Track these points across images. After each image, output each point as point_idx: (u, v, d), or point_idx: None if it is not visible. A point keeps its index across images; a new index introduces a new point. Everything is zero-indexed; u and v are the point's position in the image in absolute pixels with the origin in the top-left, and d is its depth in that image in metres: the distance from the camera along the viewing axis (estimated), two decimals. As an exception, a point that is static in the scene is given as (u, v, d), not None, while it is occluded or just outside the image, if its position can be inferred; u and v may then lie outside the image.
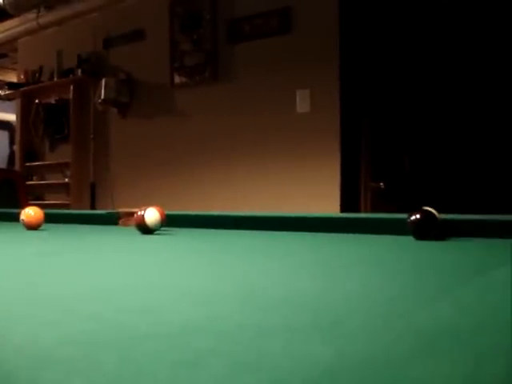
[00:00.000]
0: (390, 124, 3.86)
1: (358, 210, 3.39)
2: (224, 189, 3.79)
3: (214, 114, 3.80)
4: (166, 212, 1.32)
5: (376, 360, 0.27)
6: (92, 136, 4.63)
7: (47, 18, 4.40)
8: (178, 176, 4.07)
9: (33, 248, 1.02)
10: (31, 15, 4.47)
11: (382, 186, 3.76)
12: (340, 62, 3.28)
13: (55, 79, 4.88)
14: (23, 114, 5.19)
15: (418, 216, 1.04)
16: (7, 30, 4.98)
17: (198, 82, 3.85)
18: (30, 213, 1.47)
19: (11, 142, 6.73)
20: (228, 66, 3.71)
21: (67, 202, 4.70)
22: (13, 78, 6.28)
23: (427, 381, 0.24)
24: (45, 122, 5.00)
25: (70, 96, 4.73)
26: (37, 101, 5.04)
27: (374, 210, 3.45)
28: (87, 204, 4.59)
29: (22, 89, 5.15)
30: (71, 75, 4.71)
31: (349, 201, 3.39)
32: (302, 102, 3.31)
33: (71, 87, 4.70)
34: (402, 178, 4.16)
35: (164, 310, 0.40)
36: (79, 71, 4.61)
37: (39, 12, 4.40)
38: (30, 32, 4.72)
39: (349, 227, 1.29)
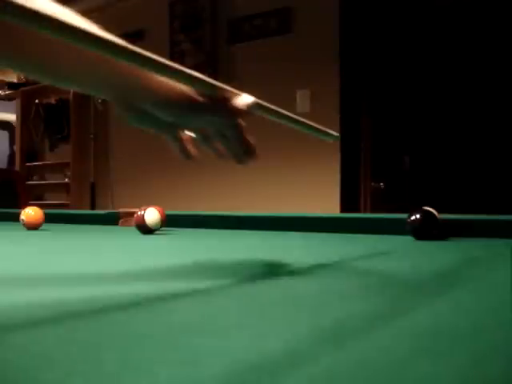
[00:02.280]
0: (390, 124, 3.86)
1: (358, 210, 3.39)
2: (224, 189, 3.79)
3: (214, 114, 3.80)
4: (166, 212, 1.32)
5: (375, 360, 0.27)
6: (92, 136, 4.62)
7: (47, 17, 4.40)
8: (178, 176, 4.07)
9: (33, 247, 1.02)
10: (31, 15, 4.46)
11: (382, 186, 3.76)
12: (340, 62, 3.28)
13: (55, 79, 4.87)
14: (23, 114, 5.19)
15: (417, 216, 1.04)
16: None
17: (197, 82, 3.85)
18: (30, 213, 1.47)
19: (11, 142, 6.73)
20: (228, 66, 3.71)
21: (67, 202, 4.69)
22: (13, 78, 6.27)
23: (427, 381, 0.24)
24: (45, 121, 4.99)
25: (70, 96, 4.73)
26: (37, 101, 5.04)
27: (373, 210, 3.45)
28: (87, 204, 4.59)
29: (22, 89, 5.15)
30: (71, 75, 4.71)
31: (349, 201, 3.39)
32: (302, 102, 3.32)
33: (71, 87, 4.70)
34: (401, 178, 4.16)
35: (164, 310, 0.40)
36: (79, 71, 4.61)
37: (39, 12, 4.40)
38: (30, 32, 4.71)
39: (349, 227, 1.29)
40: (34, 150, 5.18)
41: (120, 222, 1.64)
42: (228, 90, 0.57)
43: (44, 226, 1.49)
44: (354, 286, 0.53)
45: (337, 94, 3.24)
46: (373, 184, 3.62)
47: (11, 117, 6.29)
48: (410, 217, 1.05)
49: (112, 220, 1.68)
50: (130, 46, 0.43)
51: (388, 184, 3.83)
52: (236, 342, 0.30)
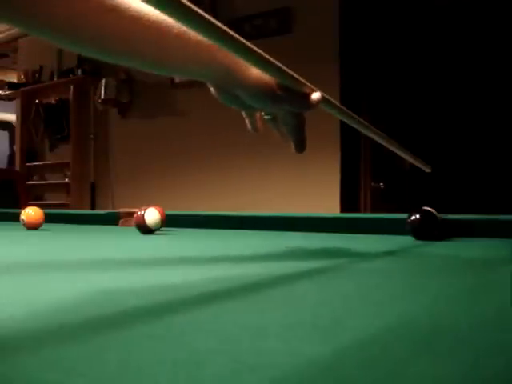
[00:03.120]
0: (389, 124, 3.86)
1: (358, 210, 3.39)
2: (224, 189, 3.79)
3: (214, 114, 3.80)
4: (166, 212, 1.32)
5: (375, 359, 0.27)
6: (92, 136, 4.63)
7: (47, 17, 4.40)
8: (179, 176, 4.07)
9: (34, 247, 1.02)
10: (31, 15, 4.47)
11: (382, 186, 3.76)
12: (340, 62, 3.28)
13: (55, 79, 4.88)
14: (23, 114, 5.19)
15: (417, 216, 1.04)
16: (7, 30, 4.98)
17: (198, 82, 3.86)
18: (30, 213, 1.47)
19: (11, 142, 6.74)
20: (228, 66, 3.71)
21: (67, 202, 4.70)
22: (13, 78, 6.28)
23: (426, 380, 0.24)
24: (45, 121, 5.00)
25: (70, 96, 4.73)
26: (37, 101, 5.04)
27: (373, 210, 3.45)
28: (87, 204, 4.59)
29: (22, 89, 5.15)
30: (71, 75, 4.71)
31: (349, 201, 3.39)
32: (302, 102, 3.31)
33: (71, 87, 4.71)
34: (401, 178, 4.16)
35: (165, 310, 0.40)
36: (79, 71, 4.61)
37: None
38: (30, 32, 4.72)
39: (349, 227, 1.29)
40: (34, 150, 5.18)
41: (120, 221, 1.64)
42: (305, 85, 0.67)
43: (44, 226, 1.50)
44: (354, 286, 0.53)
45: (337, 94, 3.24)
46: (373, 184, 3.62)
47: (11, 117, 6.30)
48: (409, 217, 1.05)
49: (112, 220, 1.68)
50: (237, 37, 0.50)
51: (388, 184, 3.83)
52: (236, 341, 0.31)
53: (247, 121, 0.78)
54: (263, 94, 0.68)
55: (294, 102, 0.70)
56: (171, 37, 0.59)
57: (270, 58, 0.57)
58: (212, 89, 0.72)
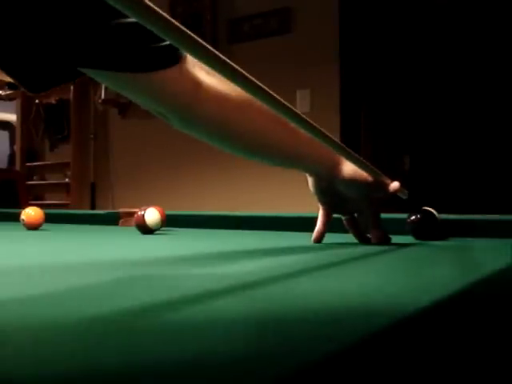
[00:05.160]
0: (390, 124, 3.86)
1: (358, 210, 3.38)
2: (224, 189, 3.80)
3: (214, 114, 3.79)
4: (166, 212, 1.32)
5: (376, 359, 0.27)
6: (92, 136, 4.62)
7: (47, 18, 4.39)
8: (179, 176, 4.07)
9: (34, 247, 1.02)
10: (31, 15, 4.46)
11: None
12: (340, 62, 3.28)
13: (55, 79, 4.86)
14: (23, 114, 5.19)
15: (417, 216, 1.04)
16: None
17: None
18: (30, 213, 1.47)
19: (11, 142, 6.73)
20: (228, 66, 3.71)
21: (67, 202, 4.69)
22: (13, 78, 6.25)
23: (427, 379, 0.24)
24: (45, 121, 4.99)
25: (70, 96, 4.72)
26: (37, 101, 5.03)
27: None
28: (87, 204, 4.59)
29: (22, 89, 5.13)
30: (71, 75, 4.70)
31: (349, 201, 3.39)
32: (302, 102, 3.32)
33: (71, 87, 4.70)
34: (402, 178, 4.15)
35: (165, 310, 0.40)
36: (79, 71, 4.60)
37: (39, 12, 4.40)
38: (30, 32, 4.72)
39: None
40: (34, 150, 5.18)
41: (120, 222, 1.64)
42: (384, 176, 0.86)
43: (44, 226, 1.50)
44: (355, 286, 0.53)
45: (337, 94, 3.24)
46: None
47: (11, 117, 6.29)
48: (409, 217, 1.05)
49: (112, 220, 1.68)
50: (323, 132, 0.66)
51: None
52: (236, 341, 0.31)
53: (322, 220, 0.94)
54: (358, 181, 0.86)
55: (379, 189, 0.87)
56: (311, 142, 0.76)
57: (364, 160, 0.76)
58: (311, 179, 0.89)
